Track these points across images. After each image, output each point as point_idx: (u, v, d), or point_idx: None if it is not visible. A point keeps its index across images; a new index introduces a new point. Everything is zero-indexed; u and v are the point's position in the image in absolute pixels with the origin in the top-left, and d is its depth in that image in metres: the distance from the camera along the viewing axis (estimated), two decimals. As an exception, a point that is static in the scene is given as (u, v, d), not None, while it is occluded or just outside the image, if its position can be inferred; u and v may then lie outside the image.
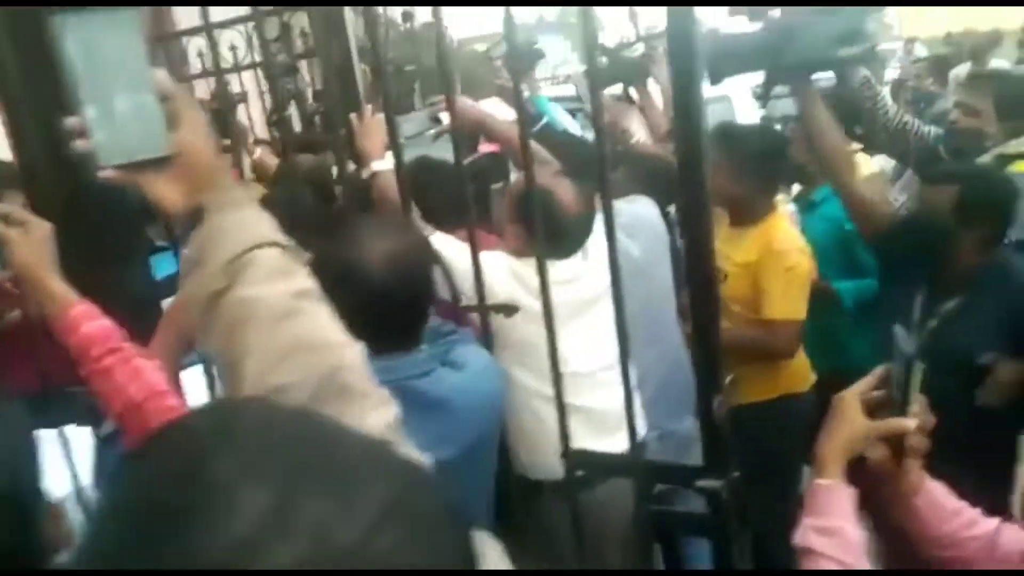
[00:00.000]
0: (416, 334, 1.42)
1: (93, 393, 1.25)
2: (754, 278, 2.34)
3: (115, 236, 1.70)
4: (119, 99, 0.75)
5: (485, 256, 1.55)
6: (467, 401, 1.41)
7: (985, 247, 2.01)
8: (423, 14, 8.60)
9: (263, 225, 0.80)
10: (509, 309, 1.54)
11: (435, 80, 6.68)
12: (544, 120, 3.12)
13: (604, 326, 1.49)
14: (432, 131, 2.34)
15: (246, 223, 0.79)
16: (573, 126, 3.47)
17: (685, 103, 1.18)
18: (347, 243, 1.36)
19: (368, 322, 1.05)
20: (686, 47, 1.15)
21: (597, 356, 1.82)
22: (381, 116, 1.93)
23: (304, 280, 0.79)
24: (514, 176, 2.43)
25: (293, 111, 6.03)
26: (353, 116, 2.09)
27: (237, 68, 4.60)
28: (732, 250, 2.37)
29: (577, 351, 1.72)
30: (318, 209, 2.38)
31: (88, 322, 1.25)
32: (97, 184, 0.78)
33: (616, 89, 3.16)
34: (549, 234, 1.46)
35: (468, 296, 1.64)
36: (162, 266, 2.37)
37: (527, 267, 1.63)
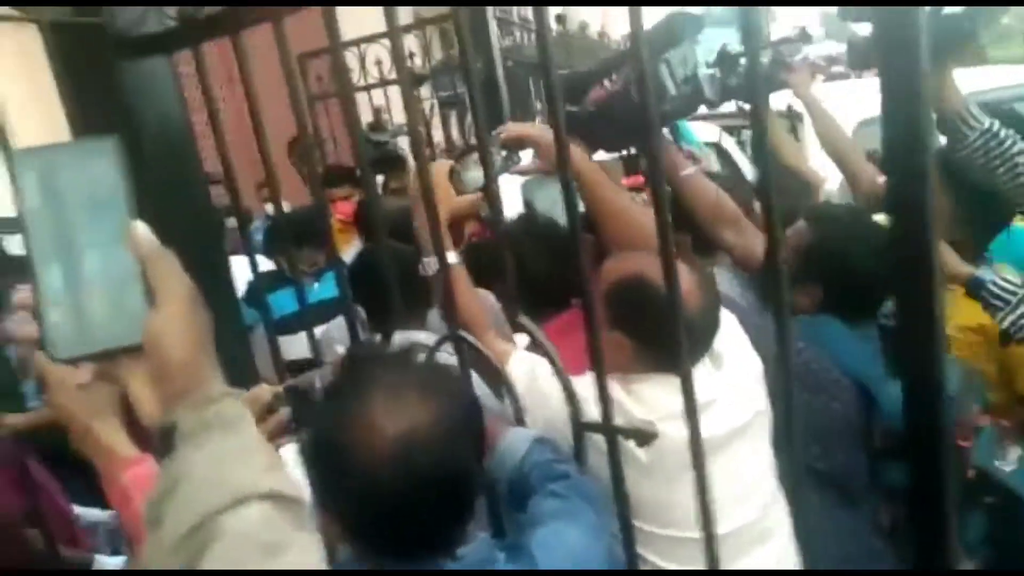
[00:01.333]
0: (452, 537, 1.00)
1: None
2: (991, 344, 1.83)
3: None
4: (86, 261, 0.55)
5: (580, 379, 1.16)
6: None
7: None
8: (574, 15, 8.34)
9: (254, 462, 0.55)
10: (645, 435, 1.10)
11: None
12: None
13: (751, 465, 1.24)
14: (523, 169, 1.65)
15: (224, 462, 0.54)
16: (735, 152, 2.91)
17: (904, 126, 0.76)
18: (353, 412, 0.95)
19: (376, 526, 0.92)
20: (906, 44, 0.74)
21: (745, 508, 1.34)
22: (442, 165, 1.54)
23: (301, 555, 0.53)
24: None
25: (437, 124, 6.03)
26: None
27: (384, 83, 4.62)
28: (951, 309, 1.83)
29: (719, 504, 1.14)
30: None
31: (144, 493, 0.93)
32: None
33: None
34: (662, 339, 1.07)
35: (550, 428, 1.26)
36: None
37: (638, 389, 1.30)
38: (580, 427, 1.18)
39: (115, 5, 1.51)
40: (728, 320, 1.41)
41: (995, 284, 1.71)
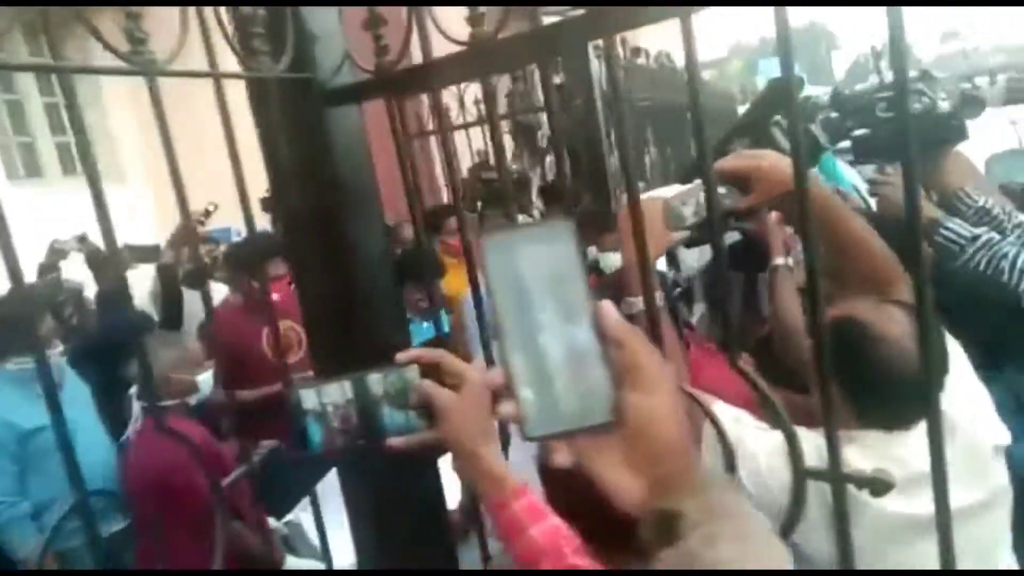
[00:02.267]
0: None
1: None
2: None
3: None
4: (551, 341, 0.57)
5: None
6: None
7: None
8: (650, 46, 8.34)
9: (773, 549, 0.57)
10: (881, 484, 1.05)
11: (670, 118, 6.46)
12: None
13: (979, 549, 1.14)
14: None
15: (747, 552, 0.54)
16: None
17: None
18: None
19: None
20: None
21: None
22: (655, 202, 1.42)
23: None
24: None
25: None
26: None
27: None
28: None
29: None
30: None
31: (536, 523, 0.95)
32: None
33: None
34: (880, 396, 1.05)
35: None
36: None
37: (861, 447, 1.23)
38: (802, 474, 1.10)
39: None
40: (964, 382, 1.33)
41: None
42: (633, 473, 0.57)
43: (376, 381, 0.98)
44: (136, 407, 2.43)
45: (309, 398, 0.96)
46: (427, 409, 0.96)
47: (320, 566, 2.40)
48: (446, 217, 3.96)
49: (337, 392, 0.97)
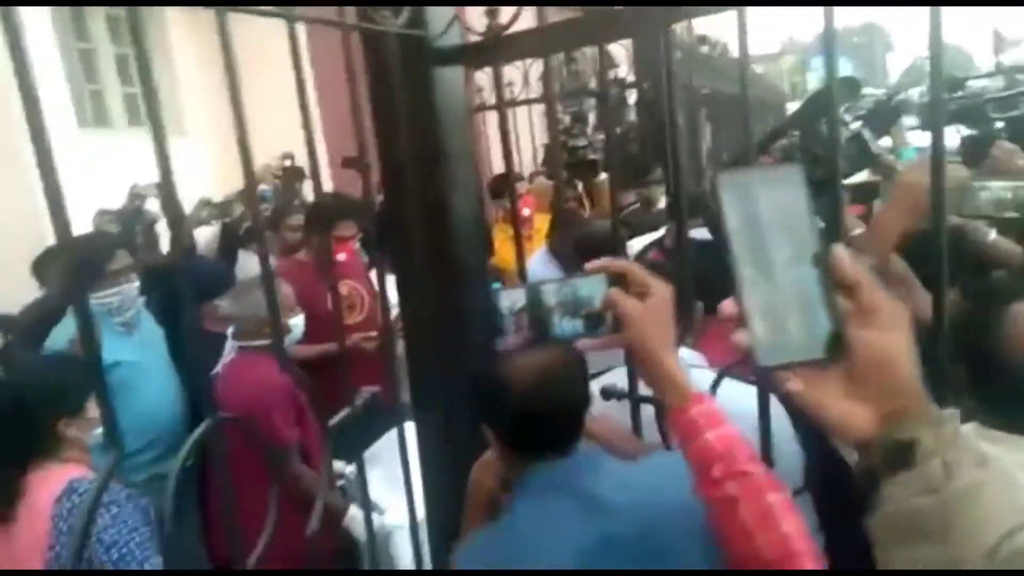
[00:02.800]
0: (567, 441, 1.29)
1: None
2: None
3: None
4: (780, 278, 0.61)
5: None
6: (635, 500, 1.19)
7: None
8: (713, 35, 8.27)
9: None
10: None
11: (727, 106, 6.41)
12: None
13: None
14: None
15: (1003, 486, 0.58)
16: None
17: None
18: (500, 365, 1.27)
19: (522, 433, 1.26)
20: None
21: None
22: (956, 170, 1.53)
23: None
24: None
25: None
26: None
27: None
28: None
29: None
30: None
31: (712, 429, 0.99)
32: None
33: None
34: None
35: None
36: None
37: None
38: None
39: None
40: None
41: None
42: (863, 404, 0.61)
43: (551, 291, 1.04)
44: (230, 344, 2.51)
45: (501, 301, 1.06)
46: (600, 316, 1.02)
47: (376, 518, 2.47)
48: (506, 185, 4.01)
49: (515, 298, 1.05)
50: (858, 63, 35.61)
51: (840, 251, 0.61)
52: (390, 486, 2.40)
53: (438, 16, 1.65)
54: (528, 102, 4.81)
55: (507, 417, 1.27)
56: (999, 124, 2.74)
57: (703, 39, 7.76)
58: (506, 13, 1.64)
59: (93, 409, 1.80)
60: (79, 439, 1.84)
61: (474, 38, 1.66)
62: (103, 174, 4.57)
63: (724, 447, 0.98)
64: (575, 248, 2.93)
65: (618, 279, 1.01)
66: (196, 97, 6.22)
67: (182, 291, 3.03)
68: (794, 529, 0.94)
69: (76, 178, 3.30)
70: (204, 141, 6.15)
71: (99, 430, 1.84)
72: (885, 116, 2.77)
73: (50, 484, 1.75)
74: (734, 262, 0.61)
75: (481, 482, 1.44)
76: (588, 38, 1.66)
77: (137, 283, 2.79)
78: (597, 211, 4.53)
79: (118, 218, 2.98)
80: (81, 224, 3.46)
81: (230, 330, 2.59)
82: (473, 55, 1.66)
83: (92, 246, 2.96)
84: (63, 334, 2.66)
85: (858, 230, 2.11)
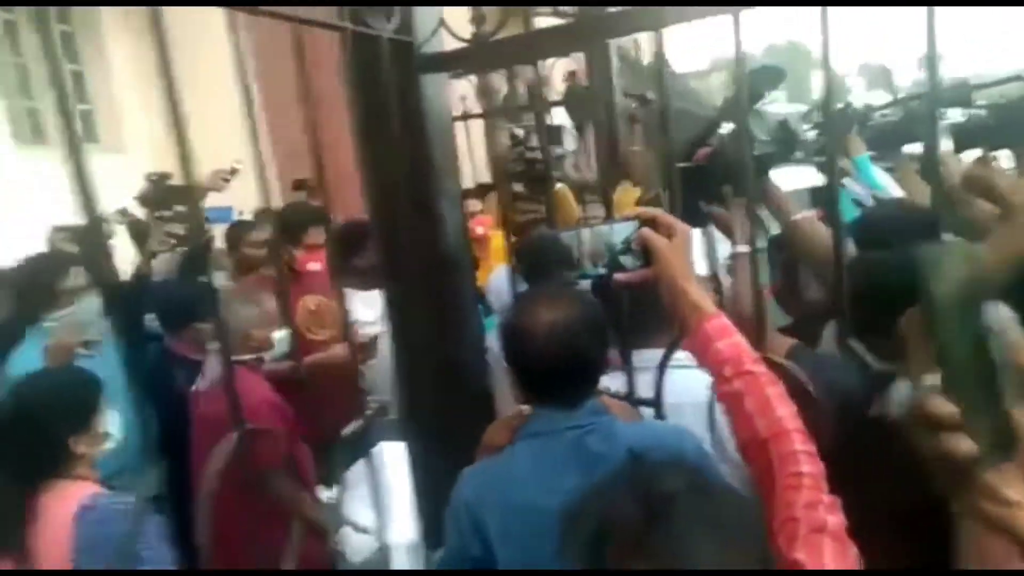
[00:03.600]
0: (582, 393, 1.38)
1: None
2: None
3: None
4: None
5: None
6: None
7: None
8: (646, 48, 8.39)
9: None
10: None
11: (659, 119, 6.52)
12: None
13: None
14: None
15: None
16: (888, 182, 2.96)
17: None
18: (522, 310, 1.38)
19: (532, 381, 1.36)
20: None
21: None
22: None
23: None
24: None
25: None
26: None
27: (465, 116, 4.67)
28: None
29: None
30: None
31: (723, 339, 1.18)
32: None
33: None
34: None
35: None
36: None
37: None
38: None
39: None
40: None
41: None
42: None
43: (607, 231, 1.24)
44: (213, 360, 2.43)
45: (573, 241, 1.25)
46: (632, 255, 1.23)
47: (366, 539, 2.43)
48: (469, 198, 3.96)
49: (579, 238, 1.25)
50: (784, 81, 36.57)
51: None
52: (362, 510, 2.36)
53: (425, 22, 1.65)
54: (482, 116, 4.81)
55: (522, 363, 1.35)
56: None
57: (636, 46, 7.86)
58: (491, 20, 1.65)
59: (100, 424, 1.76)
60: (88, 455, 1.78)
61: (460, 44, 1.66)
62: (42, 192, 4.41)
63: (732, 353, 1.17)
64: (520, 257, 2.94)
65: (648, 223, 1.22)
66: (136, 114, 6.06)
67: (162, 312, 2.94)
68: (787, 414, 1.13)
69: (14, 196, 3.19)
70: (145, 157, 5.99)
71: (106, 446, 1.80)
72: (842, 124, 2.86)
73: (64, 503, 1.69)
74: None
75: (492, 439, 1.51)
76: (574, 43, 1.68)
77: (97, 301, 2.68)
78: (561, 221, 4.52)
79: (75, 235, 2.84)
80: (21, 242, 3.32)
81: (214, 345, 2.53)
82: (459, 62, 1.66)
83: (41, 265, 2.85)
84: (24, 361, 2.54)
85: (802, 214, 2.17)
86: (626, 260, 1.23)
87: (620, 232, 1.23)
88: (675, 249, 1.20)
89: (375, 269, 1.79)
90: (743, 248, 1.91)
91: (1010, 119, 2.43)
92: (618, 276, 1.24)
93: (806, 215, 2.12)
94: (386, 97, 1.56)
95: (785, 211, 2.10)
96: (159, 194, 3.03)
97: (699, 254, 2.14)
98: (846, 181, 2.90)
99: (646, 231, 1.21)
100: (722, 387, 1.18)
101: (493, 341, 2.87)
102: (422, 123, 1.65)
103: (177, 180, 3.12)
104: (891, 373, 1.39)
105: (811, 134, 2.88)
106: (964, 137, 2.50)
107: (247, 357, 2.49)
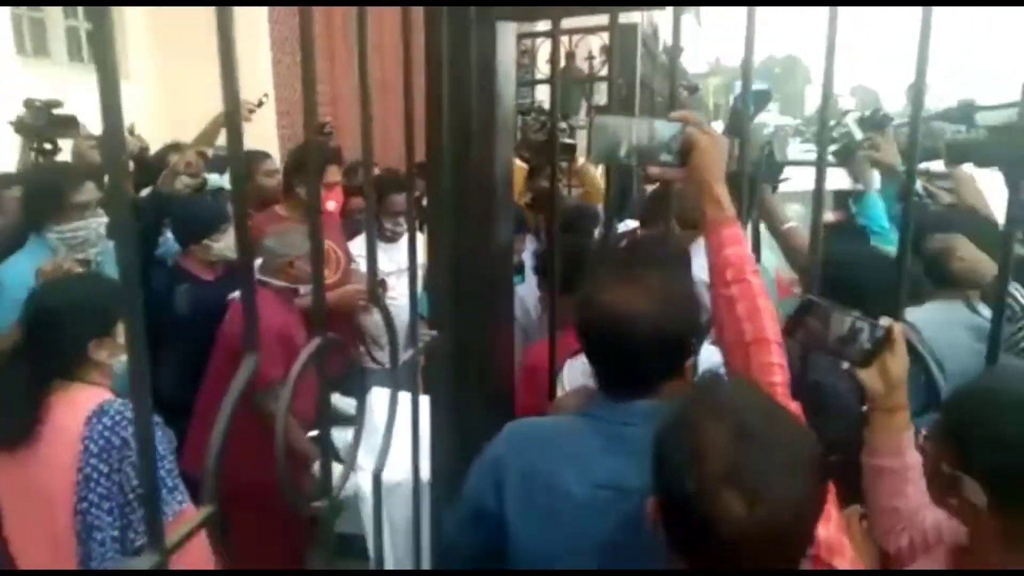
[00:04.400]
0: (649, 387, 1.28)
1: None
2: None
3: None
4: None
5: None
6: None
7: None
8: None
9: None
10: None
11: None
12: None
13: None
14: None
15: None
16: None
17: None
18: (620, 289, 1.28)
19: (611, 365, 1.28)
20: None
21: None
22: None
23: None
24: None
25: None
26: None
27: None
28: None
29: None
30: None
31: (732, 246, 1.28)
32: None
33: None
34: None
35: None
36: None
37: None
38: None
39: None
40: None
41: None
42: None
43: (655, 127, 1.32)
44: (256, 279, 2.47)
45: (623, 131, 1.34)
46: (671, 152, 1.32)
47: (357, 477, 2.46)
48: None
49: (629, 128, 1.34)
50: (779, 94, 37.03)
51: None
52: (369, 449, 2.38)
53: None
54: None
55: (608, 345, 1.27)
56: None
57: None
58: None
59: (121, 333, 1.73)
60: (106, 363, 1.77)
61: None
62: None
63: (737, 260, 1.27)
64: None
65: (688, 123, 1.31)
66: (142, 40, 5.92)
67: (177, 227, 2.93)
68: (771, 326, 1.24)
69: (15, 107, 3.09)
70: (149, 86, 5.87)
71: (124, 357, 1.77)
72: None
73: (77, 405, 1.68)
74: None
75: (563, 403, 1.54)
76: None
77: (106, 220, 2.63)
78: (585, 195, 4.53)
79: (100, 145, 2.77)
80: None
81: (258, 261, 2.57)
82: (535, 10, 1.65)
83: (54, 174, 2.78)
84: (16, 271, 2.49)
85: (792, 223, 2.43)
86: (665, 157, 1.32)
87: (664, 130, 1.32)
88: (713, 149, 1.31)
89: (408, 216, 1.77)
90: (790, 224, 2.22)
91: (1001, 139, 2.51)
92: (652, 169, 1.34)
93: (796, 226, 2.32)
94: (465, 46, 1.54)
95: (775, 220, 2.35)
96: (38, 121, 3.00)
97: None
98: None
99: (692, 129, 1.31)
100: (720, 289, 1.28)
101: (525, 292, 2.92)
102: (492, 75, 1.64)
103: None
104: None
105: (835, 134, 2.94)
106: (955, 152, 2.63)
107: (279, 284, 2.56)
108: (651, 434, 1.17)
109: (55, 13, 5.56)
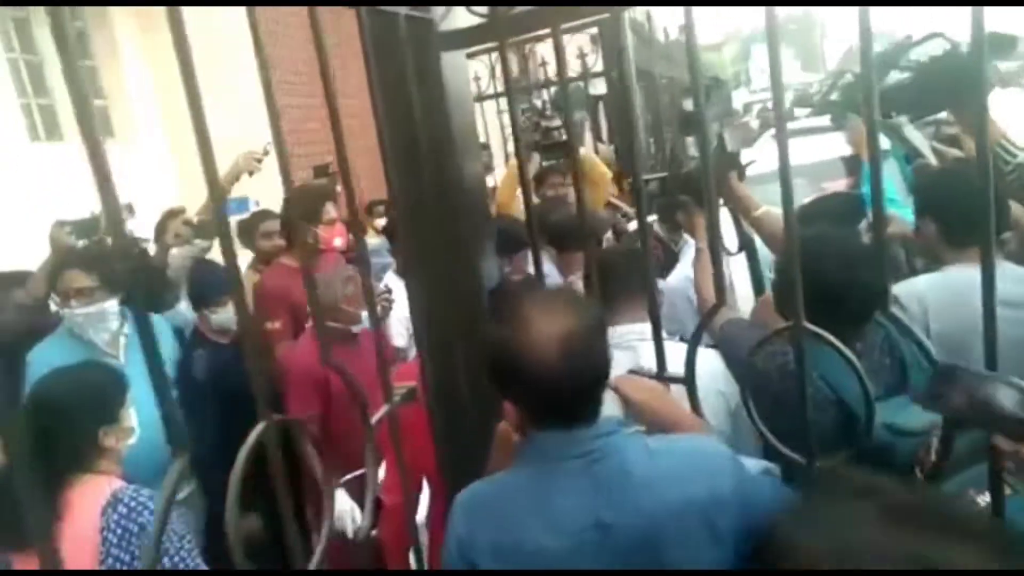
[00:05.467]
0: (587, 414, 1.22)
1: None
2: None
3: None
4: None
5: None
6: (637, 490, 1.19)
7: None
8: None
9: None
10: None
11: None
12: None
13: None
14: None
15: None
16: (919, 142, 2.89)
17: None
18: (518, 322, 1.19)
19: (537, 401, 1.20)
20: None
21: None
22: None
23: None
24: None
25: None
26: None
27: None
28: None
29: None
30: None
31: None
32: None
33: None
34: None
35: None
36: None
37: None
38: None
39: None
40: None
41: None
42: None
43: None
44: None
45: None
46: None
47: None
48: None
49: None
50: (796, 50, 36.30)
51: None
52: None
53: (441, -1, 1.61)
54: (496, 96, 4.76)
55: (518, 387, 1.21)
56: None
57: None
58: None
59: (127, 418, 1.77)
60: (114, 449, 1.80)
61: (476, 20, 1.62)
62: (57, 188, 4.41)
63: None
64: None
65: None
66: (151, 104, 6.04)
67: (191, 292, 2.98)
68: None
69: (31, 193, 3.16)
70: (163, 148, 5.99)
71: (132, 440, 1.80)
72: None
73: (92, 495, 1.71)
74: None
75: (508, 432, 1.42)
76: (592, 12, 1.63)
77: (108, 301, 2.64)
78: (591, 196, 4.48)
79: (76, 230, 2.78)
80: (37, 236, 3.30)
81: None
82: (478, 37, 1.62)
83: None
84: (46, 354, 2.54)
85: (765, 208, 2.36)
86: None
87: None
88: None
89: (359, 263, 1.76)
90: (703, 245, 2.22)
91: (928, 83, 2.21)
92: None
93: (768, 210, 2.23)
94: (405, 76, 1.52)
95: (745, 208, 2.31)
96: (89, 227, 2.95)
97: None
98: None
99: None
100: None
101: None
102: (443, 102, 1.62)
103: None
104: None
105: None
106: (888, 104, 2.34)
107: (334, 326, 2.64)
108: (609, 452, 1.17)
109: (62, 95, 5.70)
